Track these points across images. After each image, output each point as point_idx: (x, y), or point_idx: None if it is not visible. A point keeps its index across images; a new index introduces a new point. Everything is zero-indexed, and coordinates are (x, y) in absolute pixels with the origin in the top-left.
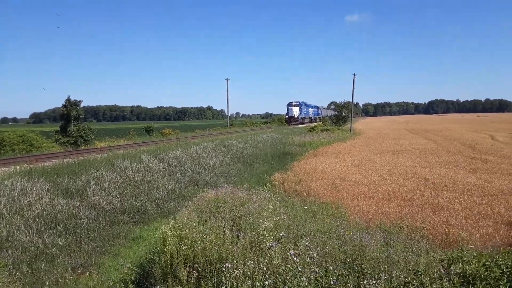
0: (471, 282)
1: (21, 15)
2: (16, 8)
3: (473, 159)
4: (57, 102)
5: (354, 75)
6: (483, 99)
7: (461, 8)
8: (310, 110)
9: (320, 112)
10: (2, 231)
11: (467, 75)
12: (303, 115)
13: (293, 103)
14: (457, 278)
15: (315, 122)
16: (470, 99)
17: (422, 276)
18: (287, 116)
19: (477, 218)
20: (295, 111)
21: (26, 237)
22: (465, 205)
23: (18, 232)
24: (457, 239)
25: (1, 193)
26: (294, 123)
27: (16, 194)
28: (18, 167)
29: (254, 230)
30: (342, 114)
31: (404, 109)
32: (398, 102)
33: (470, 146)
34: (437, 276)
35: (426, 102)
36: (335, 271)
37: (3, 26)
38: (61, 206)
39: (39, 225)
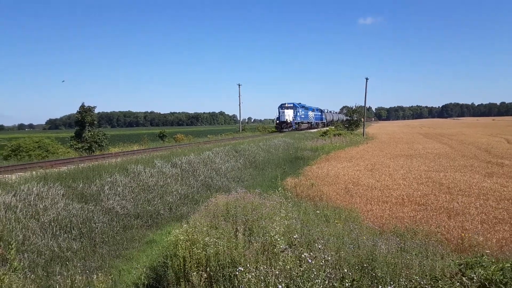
0: (487, 287)
1: (35, 22)
2: (30, 15)
3: (489, 163)
4: (73, 109)
5: (367, 79)
6: (498, 103)
7: (476, 11)
8: (310, 113)
9: (323, 116)
10: (19, 235)
11: (482, 78)
12: (299, 119)
13: (286, 105)
14: (476, 284)
15: (317, 127)
16: (485, 102)
17: (439, 281)
18: (277, 121)
19: (493, 222)
20: (288, 115)
21: (42, 241)
22: (481, 209)
23: (34, 236)
24: (472, 244)
25: (18, 198)
26: (286, 129)
27: (32, 198)
28: (34, 172)
29: (267, 234)
30: (354, 119)
31: (418, 113)
32: (412, 106)
33: (486, 150)
34: (456, 281)
35: (440, 106)
36: (349, 273)
37: (18, 34)
38: (76, 211)
39: (54, 229)
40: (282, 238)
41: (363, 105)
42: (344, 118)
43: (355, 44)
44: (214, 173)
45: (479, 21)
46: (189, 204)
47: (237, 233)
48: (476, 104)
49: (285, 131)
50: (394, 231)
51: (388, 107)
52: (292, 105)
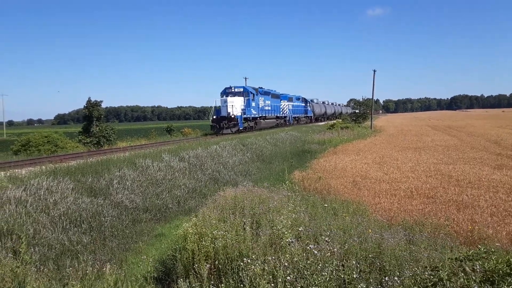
0: (491, 279)
1: (43, 18)
2: (38, 11)
3: (499, 156)
4: (81, 104)
5: (374, 71)
6: (508, 94)
7: (484, 2)
8: (285, 104)
9: (308, 108)
10: (29, 229)
11: (491, 69)
12: (255, 112)
13: (232, 90)
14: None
15: (297, 123)
16: (494, 94)
17: (440, 272)
18: (214, 116)
19: (503, 215)
20: (233, 106)
21: (52, 234)
22: (490, 202)
23: (45, 230)
24: (482, 236)
25: (28, 192)
26: (229, 130)
27: (42, 193)
28: (43, 166)
29: (274, 227)
30: (360, 112)
31: (426, 105)
32: (420, 98)
33: (495, 142)
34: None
35: (449, 98)
36: (357, 265)
37: (27, 31)
38: (86, 205)
39: (64, 223)
40: (289, 231)
41: (371, 97)
42: (345, 110)
43: (363, 36)
44: (221, 167)
45: (488, 12)
46: (197, 197)
47: (244, 226)
48: (485, 96)
49: (226, 133)
50: (402, 224)
51: (396, 99)
52: (242, 89)
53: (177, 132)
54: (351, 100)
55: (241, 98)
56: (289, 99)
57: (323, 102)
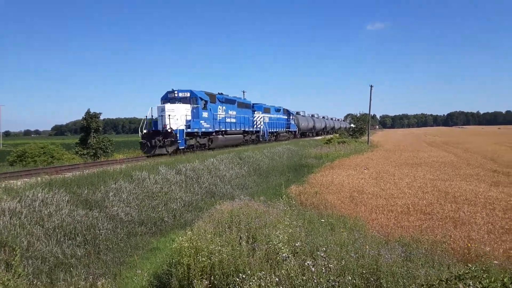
0: None
1: (41, 28)
2: (35, 22)
3: (495, 172)
4: (79, 115)
5: (371, 86)
6: (504, 111)
7: (481, 19)
8: (258, 116)
9: (293, 121)
10: (23, 241)
11: (487, 86)
12: (207, 126)
13: (175, 94)
14: None
15: (276, 139)
16: (490, 110)
17: None
18: (145, 131)
19: (499, 232)
20: (172, 116)
21: (46, 247)
22: (487, 219)
23: (38, 242)
24: (479, 254)
25: (23, 204)
26: (163, 148)
27: (37, 205)
28: (39, 178)
29: (271, 242)
30: (357, 127)
31: (423, 121)
32: (417, 114)
33: (492, 159)
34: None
35: (445, 114)
36: (353, 281)
37: (24, 41)
38: (81, 217)
39: (58, 236)
40: (285, 246)
41: (368, 112)
42: (339, 125)
43: (360, 51)
44: (218, 180)
45: (485, 29)
46: (193, 211)
47: (241, 241)
48: (481, 113)
49: (160, 154)
50: (399, 240)
51: (392, 115)
52: (188, 94)
53: None
54: (348, 115)
55: (186, 106)
56: (266, 110)
57: (312, 115)
